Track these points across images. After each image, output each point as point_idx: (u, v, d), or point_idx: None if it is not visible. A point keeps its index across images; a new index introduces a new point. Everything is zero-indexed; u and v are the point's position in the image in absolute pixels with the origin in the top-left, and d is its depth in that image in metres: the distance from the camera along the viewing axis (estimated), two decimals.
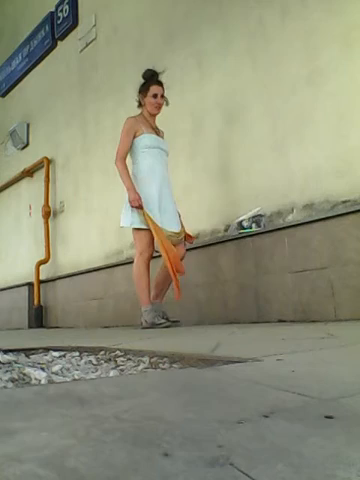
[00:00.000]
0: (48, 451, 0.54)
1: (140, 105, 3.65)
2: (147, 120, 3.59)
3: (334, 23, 3.12)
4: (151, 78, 3.57)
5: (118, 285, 4.75)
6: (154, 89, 3.53)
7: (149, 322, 3.35)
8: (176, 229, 3.43)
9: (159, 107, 3.58)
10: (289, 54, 3.39)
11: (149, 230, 3.35)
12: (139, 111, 3.67)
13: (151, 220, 3.32)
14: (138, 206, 3.34)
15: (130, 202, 3.35)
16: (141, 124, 3.55)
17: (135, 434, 0.61)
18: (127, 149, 3.53)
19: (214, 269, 3.76)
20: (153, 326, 3.32)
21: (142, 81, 3.61)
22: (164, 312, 3.51)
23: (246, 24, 3.75)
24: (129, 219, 3.40)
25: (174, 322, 3.50)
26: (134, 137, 3.53)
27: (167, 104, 3.62)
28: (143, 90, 3.57)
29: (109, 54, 5.44)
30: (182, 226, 3.53)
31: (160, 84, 3.57)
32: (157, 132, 3.63)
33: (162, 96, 3.57)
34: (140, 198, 3.35)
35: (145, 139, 3.51)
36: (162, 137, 3.69)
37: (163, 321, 3.36)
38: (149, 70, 3.62)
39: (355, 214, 2.83)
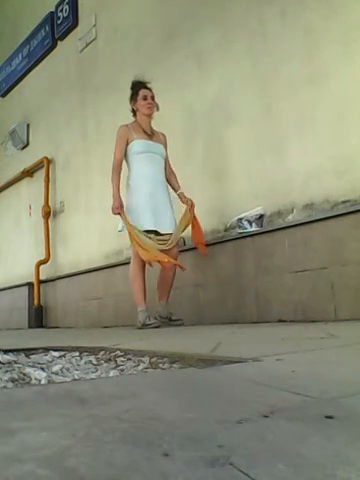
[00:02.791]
0: (48, 451, 0.54)
1: (134, 113, 3.75)
2: (140, 126, 3.67)
3: (334, 23, 3.12)
4: (138, 84, 3.71)
5: (118, 285, 4.75)
6: (143, 92, 3.67)
7: (141, 322, 3.45)
8: (169, 230, 3.54)
9: (151, 107, 3.66)
10: (289, 54, 3.39)
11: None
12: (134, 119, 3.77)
13: (130, 226, 3.47)
14: (117, 213, 3.53)
15: (112, 209, 3.54)
16: (132, 131, 3.64)
17: (135, 434, 0.61)
18: (120, 157, 3.64)
19: (214, 269, 3.76)
20: (143, 327, 3.42)
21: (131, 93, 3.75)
22: (170, 312, 3.56)
23: (246, 24, 3.75)
24: (120, 224, 3.59)
25: (174, 321, 3.52)
26: (127, 144, 3.63)
27: (158, 109, 3.71)
28: (133, 96, 3.71)
29: (109, 54, 5.44)
30: (180, 230, 3.61)
31: (148, 87, 3.72)
32: (151, 136, 3.67)
33: (152, 98, 3.68)
34: (121, 206, 3.52)
35: (135, 145, 3.61)
36: (161, 140, 3.73)
37: (153, 321, 3.43)
38: (135, 80, 3.77)
39: (355, 214, 2.83)
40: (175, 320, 3.55)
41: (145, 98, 3.65)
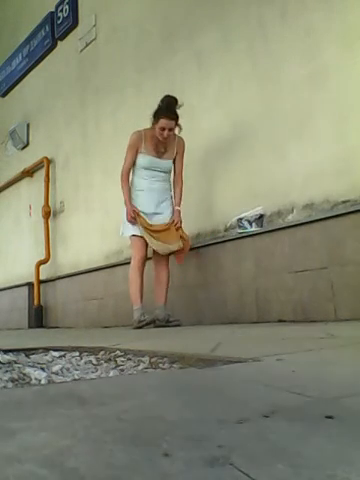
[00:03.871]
0: (48, 451, 0.54)
1: (153, 124, 3.61)
2: (152, 138, 3.58)
3: (334, 23, 3.12)
4: (163, 112, 3.50)
5: (118, 285, 4.75)
6: (163, 123, 3.49)
7: (136, 320, 3.51)
8: (164, 221, 3.64)
9: (166, 137, 3.55)
10: (289, 54, 3.39)
11: (140, 236, 3.60)
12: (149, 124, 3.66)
13: (144, 228, 3.56)
14: (132, 219, 3.56)
15: (126, 215, 3.58)
16: (144, 141, 3.59)
17: (135, 434, 0.61)
18: (130, 165, 3.65)
19: (214, 269, 3.76)
20: (139, 324, 3.48)
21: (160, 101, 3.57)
22: (168, 314, 3.56)
23: (246, 24, 3.75)
24: (121, 229, 3.73)
25: (171, 322, 3.53)
26: (136, 152, 3.63)
27: (180, 129, 3.61)
28: (154, 118, 3.55)
29: (109, 54, 5.44)
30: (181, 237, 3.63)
31: (171, 118, 3.50)
32: (163, 153, 3.62)
33: (170, 129, 3.53)
34: (135, 213, 3.56)
35: (140, 159, 3.63)
36: (173, 153, 3.66)
37: (146, 317, 3.49)
38: (167, 97, 3.55)
39: (355, 214, 2.83)
40: (172, 321, 3.55)
41: (162, 129, 3.51)
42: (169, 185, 3.76)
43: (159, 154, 3.63)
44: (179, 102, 3.55)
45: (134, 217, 3.55)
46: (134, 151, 3.61)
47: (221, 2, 4.02)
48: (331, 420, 0.64)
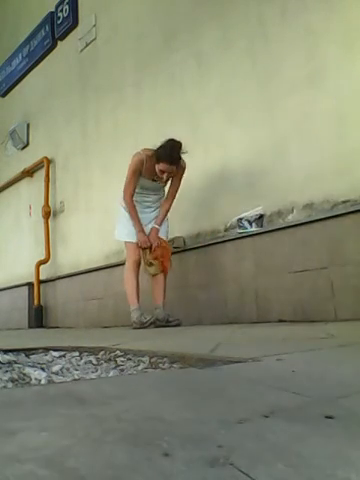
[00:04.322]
0: (48, 451, 0.54)
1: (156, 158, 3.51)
2: (152, 166, 3.50)
3: (334, 23, 3.12)
4: (167, 156, 3.39)
5: (118, 285, 4.74)
6: (163, 167, 3.42)
7: (137, 321, 3.50)
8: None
9: (163, 179, 3.54)
10: (289, 54, 3.39)
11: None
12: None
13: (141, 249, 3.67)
14: (145, 248, 3.61)
15: (139, 243, 3.62)
16: (144, 166, 3.52)
17: (135, 434, 0.61)
18: (133, 189, 3.60)
19: (214, 269, 3.76)
20: (141, 326, 3.47)
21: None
22: (167, 314, 3.56)
23: (246, 24, 3.75)
24: (116, 231, 3.84)
25: (171, 322, 3.53)
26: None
27: (184, 152, 3.48)
28: (156, 158, 3.43)
29: (109, 54, 5.44)
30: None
31: (173, 163, 3.42)
32: (160, 179, 3.57)
33: (170, 173, 3.47)
34: (148, 240, 3.61)
35: (139, 181, 3.61)
36: (168, 181, 3.63)
37: (149, 318, 3.50)
38: (172, 141, 3.42)
39: (355, 214, 2.83)
40: (172, 321, 3.55)
41: (162, 172, 3.45)
42: (162, 199, 3.78)
43: (155, 178, 3.61)
44: (183, 148, 3.42)
45: (147, 246, 3.60)
46: (137, 177, 3.57)
47: (221, 0, 4.02)
48: (331, 420, 0.64)
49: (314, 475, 0.46)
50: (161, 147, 3.42)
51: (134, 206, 3.62)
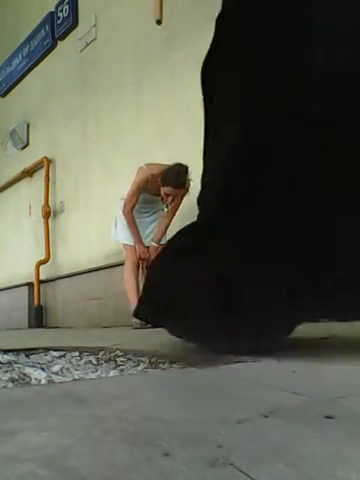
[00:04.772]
0: (48, 451, 0.54)
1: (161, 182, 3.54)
2: (156, 183, 3.51)
3: None
4: (173, 181, 3.41)
5: (118, 285, 4.75)
6: (168, 190, 3.44)
7: (137, 321, 3.46)
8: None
9: (168, 202, 3.60)
10: None
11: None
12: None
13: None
14: (144, 259, 3.71)
15: (138, 254, 3.72)
16: (149, 182, 3.54)
17: (135, 434, 0.61)
18: (135, 203, 3.64)
19: None
20: (143, 325, 3.39)
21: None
22: None
23: None
24: (113, 232, 3.93)
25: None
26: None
27: (188, 173, 3.46)
28: (162, 181, 3.44)
29: (109, 54, 5.44)
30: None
31: (178, 188, 3.43)
32: (158, 193, 3.57)
33: (175, 196, 3.51)
34: (147, 252, 3.69)
35: (141, 196, 3.65)
36: (169, 199, 3.59)
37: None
38: (178, 166, 3.44)
39: None
40: None
41: (167, 195, 3.49)
42: (159, 210, 3.82)
43: (157, 193, 3.61)
44: (189, 172, 3.40)
45: (145, 258, 3.67)
46: (142, 190, 3.59)
47: (221, 1, 4.01)
48: (331, 420, 0.65)
49: (314, 475, 0.46)
50: (168, 171, 3.43)
51: (134, 220, 3.66)
